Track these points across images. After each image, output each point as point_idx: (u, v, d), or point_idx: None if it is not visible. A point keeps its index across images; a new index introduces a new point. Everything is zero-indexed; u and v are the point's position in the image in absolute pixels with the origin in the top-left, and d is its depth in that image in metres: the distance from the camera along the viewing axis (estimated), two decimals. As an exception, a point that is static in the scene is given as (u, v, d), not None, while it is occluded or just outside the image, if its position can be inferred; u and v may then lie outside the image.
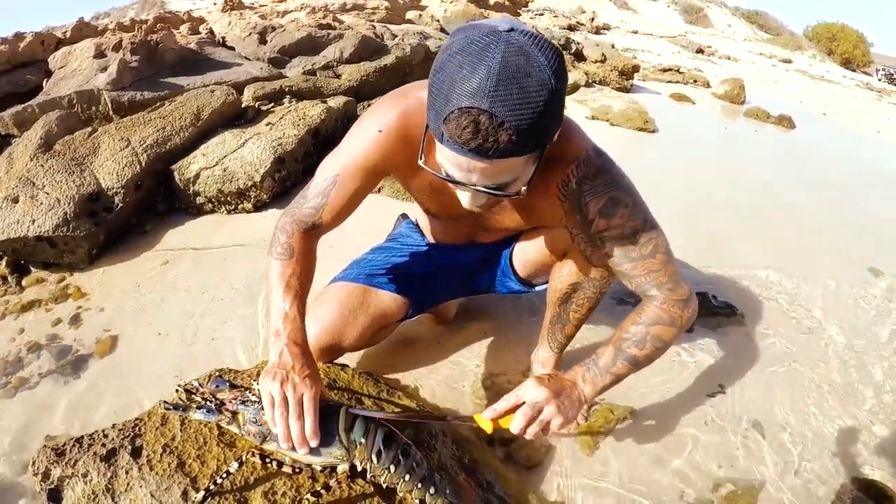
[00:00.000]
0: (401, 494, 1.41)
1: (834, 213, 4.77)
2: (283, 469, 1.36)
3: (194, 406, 1.42)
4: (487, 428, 1.48)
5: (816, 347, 2.78)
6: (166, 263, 2.91)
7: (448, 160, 1.25)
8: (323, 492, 1.32)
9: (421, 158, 1.38)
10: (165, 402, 1.41)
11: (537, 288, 2.12)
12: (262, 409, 1.38)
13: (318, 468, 1.39)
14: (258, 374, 1.62)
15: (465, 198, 1.40)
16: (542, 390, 1.47)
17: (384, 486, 1.40)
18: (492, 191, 1.28)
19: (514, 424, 1.45)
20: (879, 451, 2.21)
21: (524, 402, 1.47)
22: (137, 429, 1.45)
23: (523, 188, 1.33)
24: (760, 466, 2.07)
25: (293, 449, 1.33)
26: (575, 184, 1.51)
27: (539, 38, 1.17)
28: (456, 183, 1.30)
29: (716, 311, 2.89)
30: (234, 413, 1.41)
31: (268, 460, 1.35)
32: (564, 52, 8.31)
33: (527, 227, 1.90)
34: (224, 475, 1.29)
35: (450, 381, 2.26)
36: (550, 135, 1.26)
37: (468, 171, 1.23)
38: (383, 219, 2.49)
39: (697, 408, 2.28)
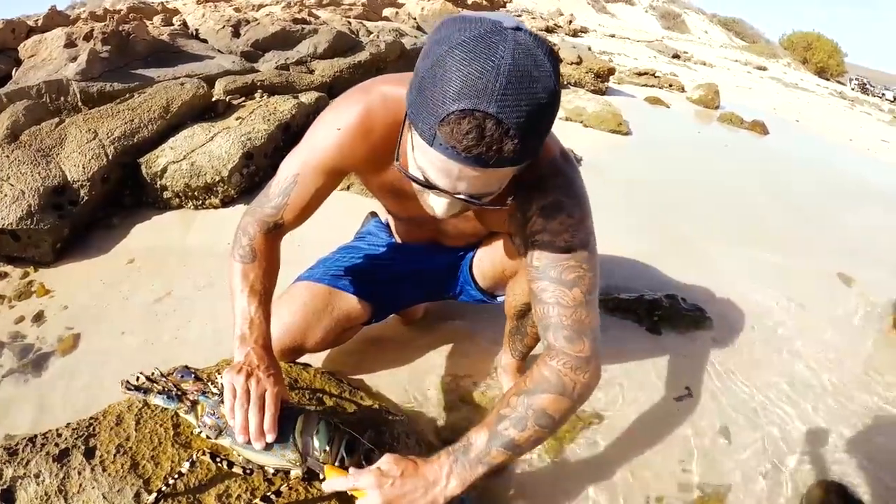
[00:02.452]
0: None
1: (804, 218, 4.83)
2: (233, 469, 1.33)
3: (155, 391, 1.39)
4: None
5: (784, 352, 2.81)
6: (132, 261, 2.87)
7: (434, 165, 1.12)
8: (273, 497, 1.30)
9: (397, 160, 1.29)
10: (128, 382, 1.38)
11: (499, 299, 2.10)
12: (222, 402, 1.36)
13: (271, 471, 1.37)
14: (218, 372, 1.61)
15: (439, 206, 1.26)
16: (376, 496, 1.27)
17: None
18: (474, 200, 1.18)
19: None
20: (847, 455, 2.23)
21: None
22: (92, 428, 1.43)
23: (509, 199, 1.27)
24: (727, 470, 2.08)
25: (248, 443, 1.31)
26: (529, 180, 1.39)
27: (542, 40, 1.07)
28: (435, 189, 1.18)
29: (685, 313, 2.90)
30: (195, 402, 1.39)
31: (218, 459, 1.33)
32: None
33: (483, 232, 1.86)
34: (176, 476, 1.27)
35: (414, 382, 2.25)
36: (542, 145, 1.17)
37: (457, 179, 1.11)
38: (351, 217, 2.47)
39: (665, 411, 2.30)
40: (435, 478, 1.32)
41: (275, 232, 1.61)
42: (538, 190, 1.40)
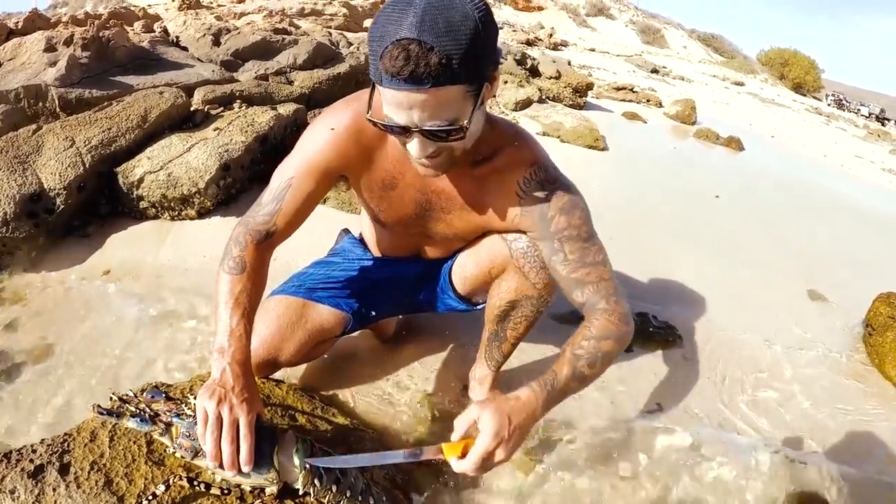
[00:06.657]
0: None
1: (778, 235, 4.91)
2: (210, 491, 1.35)
3: (128, 414, 1.39)
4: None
5: (755, 368, 2.85)
6: (107, 272, 2.86)
7: (389, 103, 1.31)
8: None
9: (368, 111, 1.41)
10: (99, 406, 1.38)
11: (477, 306, 2.13)
12: (197, 424, 1.37)
13: (248, 489, 1.38)
14: (191, 389, 1.61)
15: (414, 147, 1.40)
16: (503, 452, 1.36)
17: None
18: (436, 130, 1.32)
19: (467, 463, 1.34)
20: (820, 470, 2.27)
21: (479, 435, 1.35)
22: (66, 444, 1.44)
23: (465, 122, 1.35)
24: (699, 485, 2.11)
25: (222, 467, 1.33)
26: (536, 182, 1.64)
27: None
28: (401, 131, 1.35)
29: (655, 331, 2.94)
30: (169, 424, 1.40)
31: (195, 483, 1.34)
32: (520, 67, 8.38)
33: (475, 233, 1.89)
34: (150, 497, 1.28)
35: (386, 398, 2.26)
36: (483, 70, 1.33)
37: (409, 108, 1.28)
38: (329, 232, 2.48)
39: (636, 427, 2.33)
40: (535, 409, 1.46)
41: (266, 242, 1.65)
42: (553, 194, 1.65)
